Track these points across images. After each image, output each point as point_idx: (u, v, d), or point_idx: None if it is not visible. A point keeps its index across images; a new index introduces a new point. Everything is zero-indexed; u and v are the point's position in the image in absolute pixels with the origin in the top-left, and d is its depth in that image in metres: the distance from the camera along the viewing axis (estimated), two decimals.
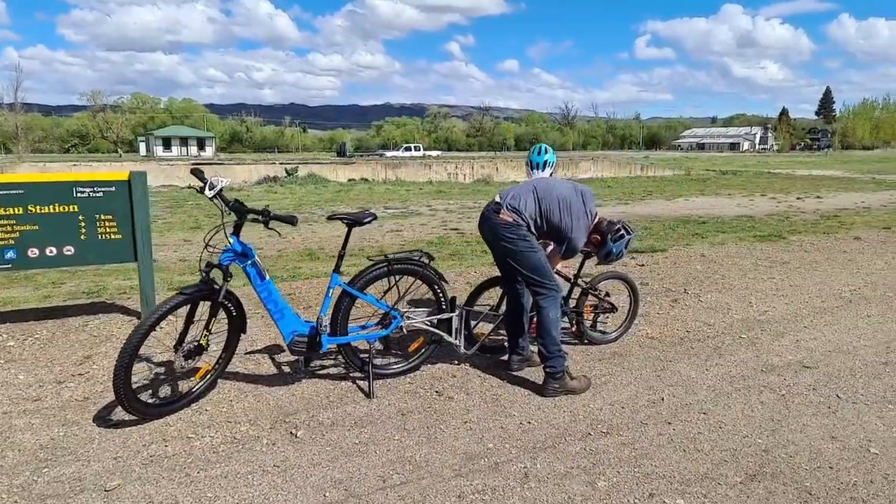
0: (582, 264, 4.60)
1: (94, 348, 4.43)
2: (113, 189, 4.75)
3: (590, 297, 4.56)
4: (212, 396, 3.64)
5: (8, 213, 4.44)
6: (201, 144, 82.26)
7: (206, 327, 3.35)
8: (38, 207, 4.55)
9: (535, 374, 3.99)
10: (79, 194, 4.64)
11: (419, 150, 59.70)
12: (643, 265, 7.42)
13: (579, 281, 4.57)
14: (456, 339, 4.03)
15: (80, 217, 4.66)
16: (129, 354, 3.02)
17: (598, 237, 4.05)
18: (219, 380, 3.77)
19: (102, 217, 4.73)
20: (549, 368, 3.75)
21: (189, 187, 21.41)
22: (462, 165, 28.78)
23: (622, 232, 4.08)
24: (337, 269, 3.69)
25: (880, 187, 20.19)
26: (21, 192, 4.49)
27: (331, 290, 3.69)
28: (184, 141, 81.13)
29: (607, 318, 4.84)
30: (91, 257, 4.77)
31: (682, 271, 7.11)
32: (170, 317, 3.31)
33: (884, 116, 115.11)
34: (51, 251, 4.60)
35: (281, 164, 25.12)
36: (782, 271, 7.11)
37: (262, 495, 2.69)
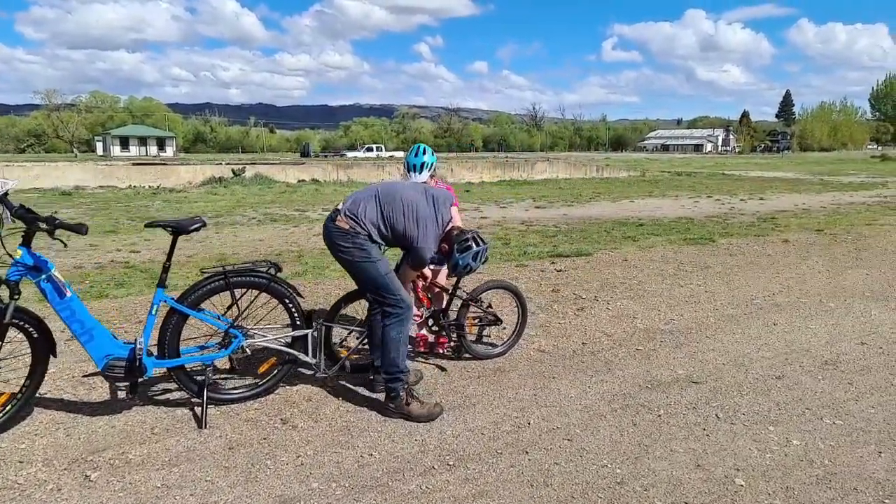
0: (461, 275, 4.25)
1: None
2: None
3: (472, 308, 4.21)
4: (18, 429, 3.18)
5: None
6: (161, 144, 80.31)
7: None
8: None
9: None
10: None
11: (381, 150, 58.96)
12: (562, 270, 7.13)
13: (459, 292, 4.22)
14: (313, 357, 3.64)
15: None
16: None
17: (447, 246, 3.70)
18: (38, 408, 3.34)
19: None
20: (388, 388, 3.44)
21: (129, 187, 20.61)
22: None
23: (470, 243, 3.72)
24: (162, 284, 3.26)
25: (825, 189, 20.41)
26: None
27: (154, 308, 3.26)
28: (142, 140, 79.07)
29: (493, 331, 4.51)
30: None
31: (600, 277, 6.83)
32: None
33: (841, 119, 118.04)
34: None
35: (227, 164, 24.36)
36: (702, 276, 6.89)
37: None
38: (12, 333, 3.07)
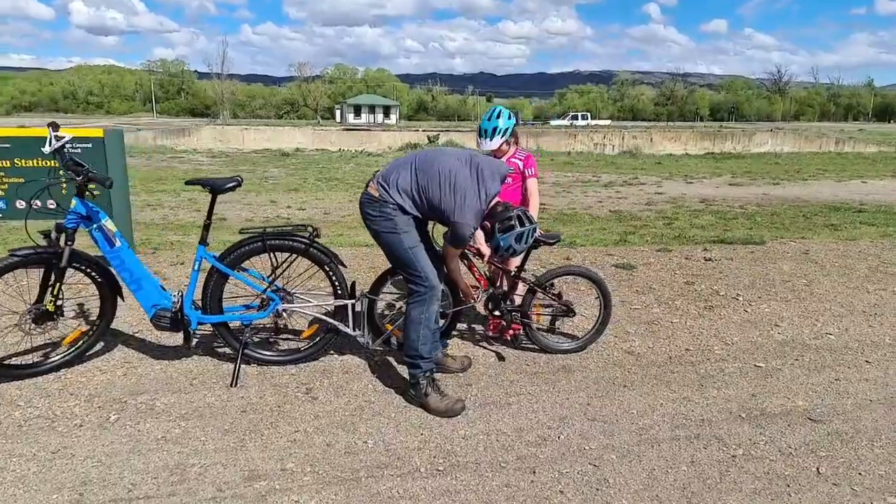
0: (527, 255, 3.74)
1: None
2: (90, 146, 4.84)
3: (539, 295, 3.70)
4: (91, 363, 3.52)
5: (22, 165, 4.73)
6: (387, 112, 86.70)
7: (52, 293, 3.20)
8: (23, 161, 4.78)
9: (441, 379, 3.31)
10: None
11: (587, 118, 56.57)
12: (711, 260, 6.06)
13: (524, 275, 3.73)
14: (354, 329, 3.49)
15: (61, 172, 4.81)
16: None
17: (489, 225, 3.21)
18: (120, 347, 3.68)
19: None
20: (408, 374, 3.15)
21: (338, 150, 22.51)
22: (611, 135, 26.57)
23: (513, 222, 3.18)
24: (203, 241, 3.34)
25: None
26: (8, 146, 4.74)
27: (197, 264, 3.35)
28: (371, 109, 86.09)
29: (577, 323, 3.94)
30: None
31: (757, 271, 5.67)
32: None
33: None
34: (35, 204, 4.82)
35: (423, 130, 25.34)
36: None
37: (20, 474, 2.47)
38: (80, 277, 3.37)
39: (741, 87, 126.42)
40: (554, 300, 3.73)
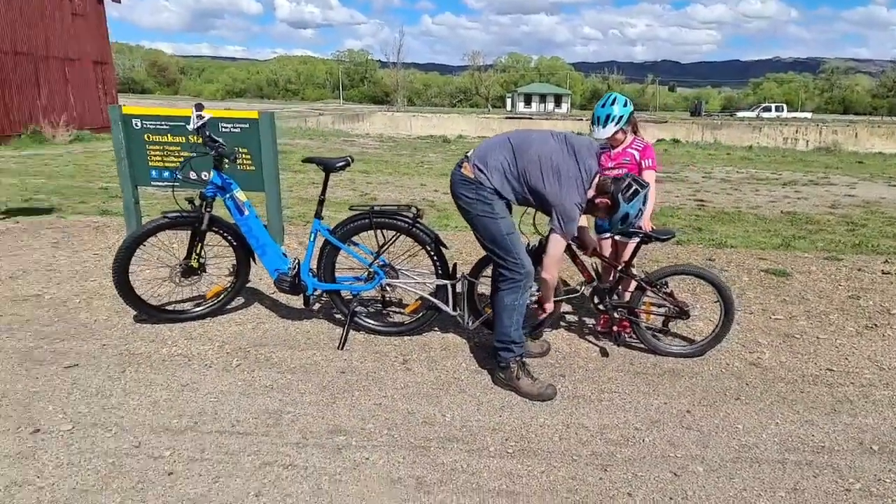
0: (636, 249, 3.52)
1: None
2: (247, 126, 5.40)
3: (649, 294, 3.49)
4: (232, 315, 3.98)
5: (176, 140, 5.46)
6: (558, 101, 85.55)
7: (195, 251, 3.67)
8: (195, 138, 5.47)
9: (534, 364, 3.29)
10: (223, 129, 5.40)
11: (781, 110, 50.69)
12: (891, 273, 5.23)
13: (633, 270, 3.53)
14: (453, 309, 3.57)
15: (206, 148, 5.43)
16: (122, 258, 3.50)
17: (607, 200, 3.03)
18: (256, 303, 4.15)
19: (240, 150, 5.44)
20: (498, 357, 3.15)
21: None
22: (805, 130, 23.57)
23: (635, 187, 2.99)
24: (318, 215, 3.61)
25: None
26: (184, 124, 5.44)
27: (312, 235, 3.64)
28: (542, 98, 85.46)
29: (698, 327, 3.67)
30: None
31: None
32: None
33: None
34: (204, 175, 5.50)
35: (587, 120, 24.57)
36: None
37: (154, 399, 2.90)
38: (219, 240, 3.82)
39: None
40: (666, 300, 3.49)
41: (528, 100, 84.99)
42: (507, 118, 28.29)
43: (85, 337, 3.57)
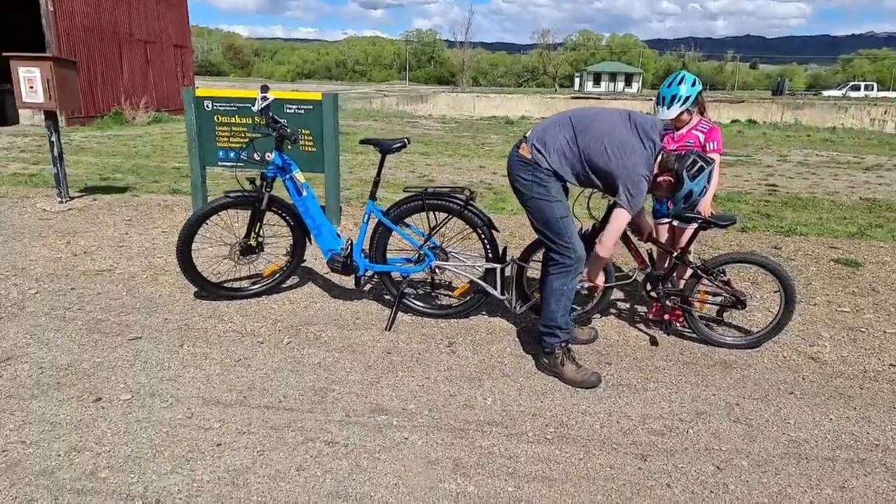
0: (694, 235, 3.41)
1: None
2: (311, 108, 5.53)
3: (704, 282, 3.38)
4: (287, 295, 4.12)
5: (243, 121, 5.66)
6: (628, 80, 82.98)
7: (254, 230, 3.81)
8: (259, 119, 5.64)
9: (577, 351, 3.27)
10: (288, 110, 5.55)
11: (871, 89, 47.12)
12: None
13: (689, 257, 3.42)
14: (501, 293, 3.58)
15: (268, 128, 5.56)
16: (185, 236, 3.66)
17: (670, 178, 2.94)
18: (310, 283, 4.30)
19: (303, 131, 5.58)
20: (543, 342, 3.14)
21: None
22: (895, 111, 21.85)
23: (700, 163, 2.88)
24: (372, 196, 3.67)
25: None
26: (250, 105, 5.62)
27: (366, 217, 3.71)
28: (612, 77, 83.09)
29: (758, 318, 3.54)
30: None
31: None
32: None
33: None
34: (268, 155, 5.68)
35: (651, 99, 23.69)
36: None
37: (208, 373, 3.07)
38: (277, 220, 3.95)
39: None
40: (722, 288, 3.38)
41: (597, 79, 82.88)
42: (573, 98, 27.64)
43: (149, 311, 3.78)
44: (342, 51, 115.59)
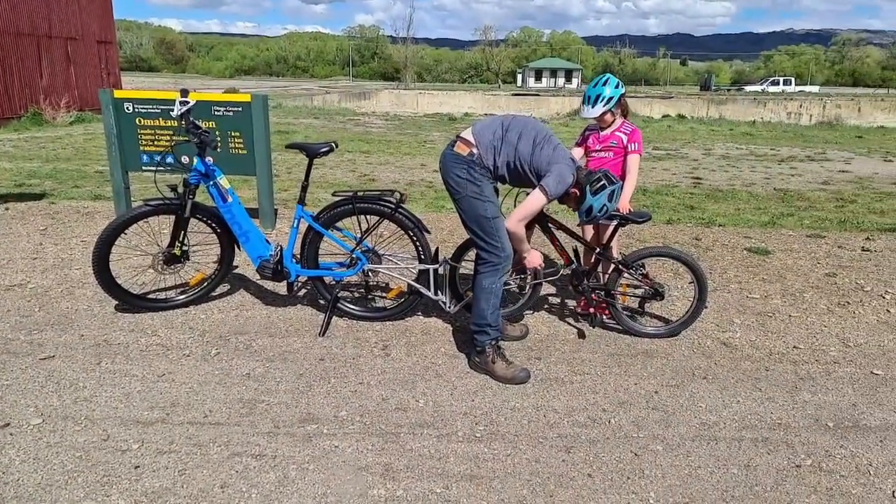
0: (614, 232, 3.56)
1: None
2: (240, 109, 5.42)
3: (625, 276, 3.53)
4: (216, 303, 4.02)
5: (167, 124, 5.48)
6: (568, 76, 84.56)
7: (178, 239, 3.72)
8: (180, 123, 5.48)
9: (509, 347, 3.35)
10: (216, 112, 5.42)
11: (789, 84, 49.77)
12: (870, 251, 5.25)
13: (610, 253, 3.56)
14: (435, 294, 3.63)
15: (217, 133, 5.43)
16: (101, 249, 3.52)
17: (577, 191, 3.11)
18: (241, 291, 4.21)
19: (232, 134, 5.47)
20: (474, 341, 3.22)
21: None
22: (810, 104, 23.24)
23: (603, 181, 3.07)
24: (301, 202, 3.64)
25: None
26: (167, 108, 5.44)
27: (296, 222, 3.68)
28: (552, 73, 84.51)
29: (677, 308, 3.71)
30: (224, 169, 5.60)
31: None
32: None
33: None
34: (185, 159, 5.48)
35: None
36: None
37: (127, 391, 2.96)
38: (202, 227, 3.87)
39: None
40: (641, 281, 3.53)
41: (538, 75, 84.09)
42: (514, 94, 28.02)
43: (64, 327, 3.63)
44: (283, 46, 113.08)
